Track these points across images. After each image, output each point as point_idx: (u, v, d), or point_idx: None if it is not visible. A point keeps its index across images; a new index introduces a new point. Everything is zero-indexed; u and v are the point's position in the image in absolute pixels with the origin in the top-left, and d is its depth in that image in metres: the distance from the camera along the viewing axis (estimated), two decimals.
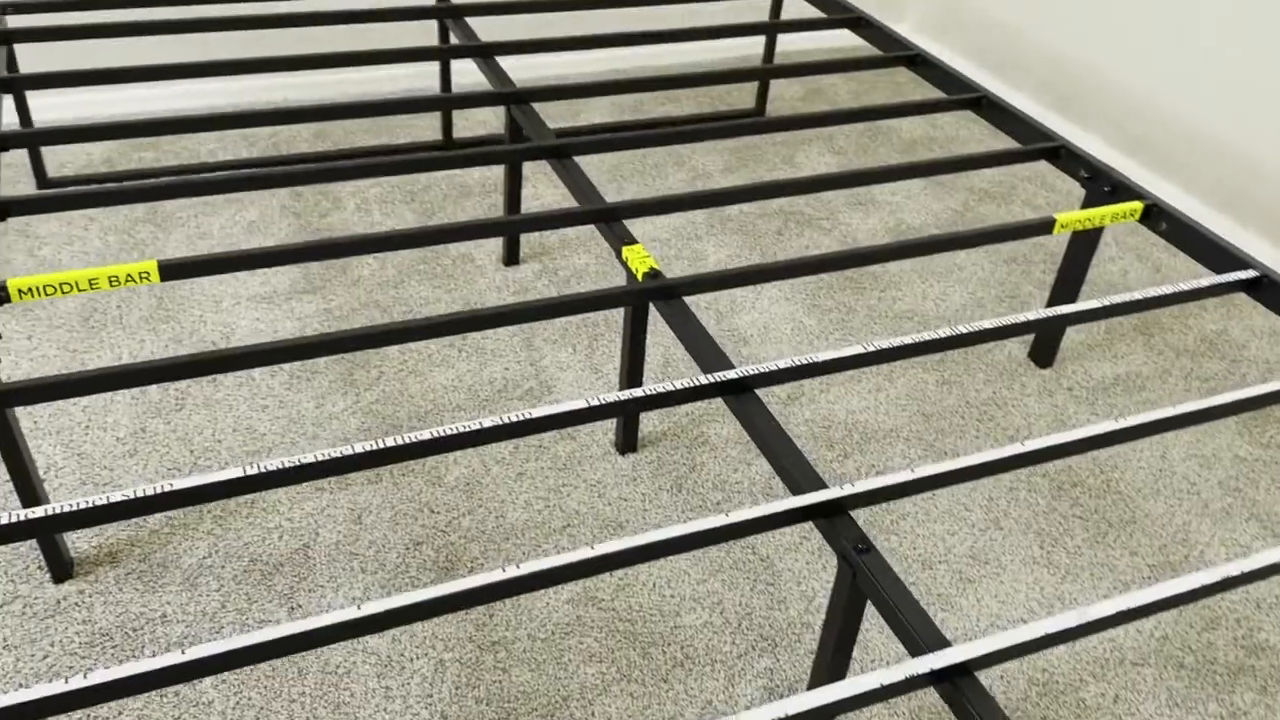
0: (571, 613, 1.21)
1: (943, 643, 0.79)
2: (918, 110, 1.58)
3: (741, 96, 2.49)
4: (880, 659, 1.20)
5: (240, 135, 2.15)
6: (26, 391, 0.94)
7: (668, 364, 1.62)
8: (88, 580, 1.21)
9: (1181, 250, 1.33)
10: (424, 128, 2.23)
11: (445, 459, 1.41)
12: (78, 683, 0.68)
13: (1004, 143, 2.40)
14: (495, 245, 1.87)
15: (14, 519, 0.79)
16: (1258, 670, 1.22)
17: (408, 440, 0.90)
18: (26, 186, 1.92)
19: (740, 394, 1.02)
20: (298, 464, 0.86)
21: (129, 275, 1.07)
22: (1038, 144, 1.49)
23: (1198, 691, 1.19)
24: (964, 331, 1.11)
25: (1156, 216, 1.36)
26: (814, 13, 2.75)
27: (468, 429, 0.92)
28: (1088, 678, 1.19)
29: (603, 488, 1.39)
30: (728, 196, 1.33)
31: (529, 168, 2.11)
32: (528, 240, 1.89)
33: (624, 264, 1.22)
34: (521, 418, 0.94)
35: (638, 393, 0.98)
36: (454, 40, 2.12)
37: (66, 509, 0.81)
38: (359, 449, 0.89)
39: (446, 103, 1.55)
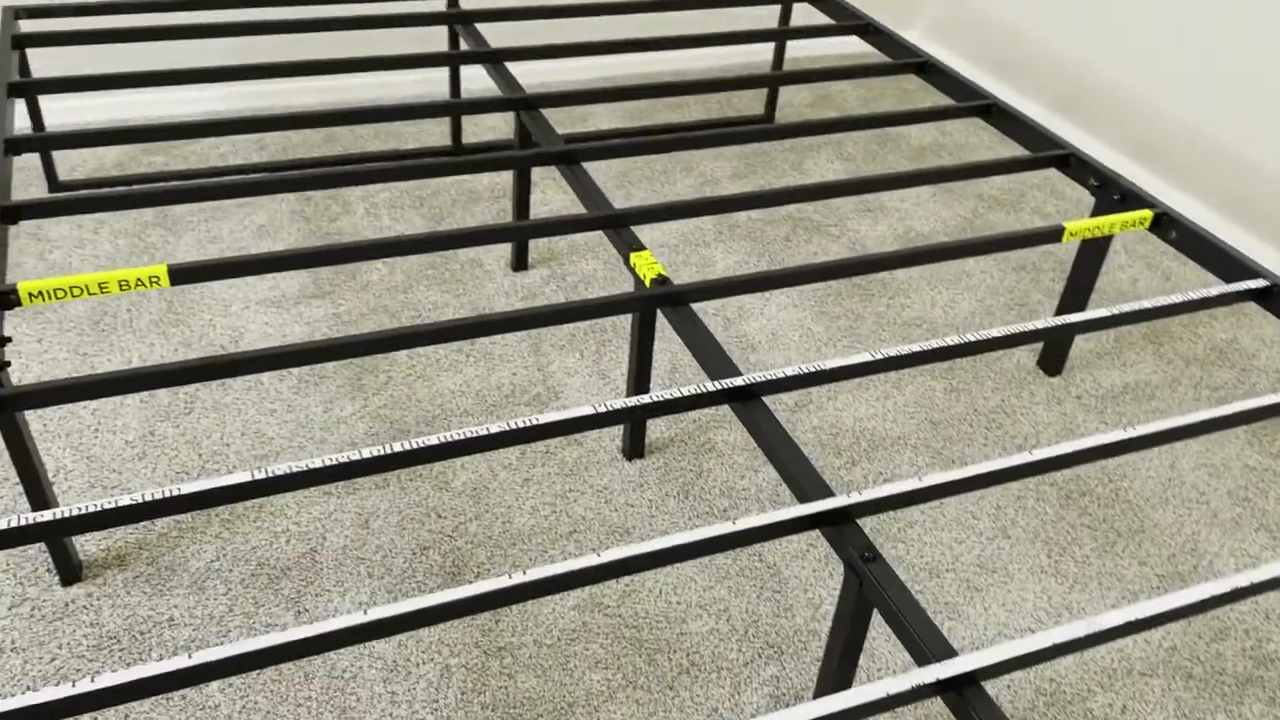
0: (578, 619, 1.21)
1: (949, 652, 0.79)
2: (927, 117, 1.57)
3: (750, 102, 2.49)
4: (887, 668, 1.19)
5: (251, 139, 2.16)
6: (36, 395, 0.94)
7: (675, 370, 1.62)
8: (96, 583, 1.21)
9: (1191, 259, 1.33)
10: (433, 133, 2.24)
11: (452, 464, 1.41)
12: (85, 686, 0.68)
13: (1013, 150, 2.39)
14: (504, 250, 1.87)
15: (23, 522, 0.79)
16: (1266, 681, 1.21)
17: (415, 446, 0.90)
18: (38, 190, 1.93)
19: (747, 401, 1.02)
20: (305, 469, 0.87)
21: (139, 279, 1.08)
22: (1047, 152, 1.49)
23: (1206, 702, 1.18)
24: (972, 340, 1.11)
25: (1166, 225, 1.36)
26: (823, 19, 2.75)
27: (475, 434, 0.92)
28: (1095, 688, 1.18)
29: (610, 493, 1.39)
30: (736, 203, 1.33)
31: (538, 173, 2.12)
32: (536, 245, 1.89)
33: (632, 270, 1.22)
34: (528, 424, 0.94)
35: (645, 399, 0.98)
36: (464, 46, 2.13)
37: (75, 512, 0.81)
38: (366, 454, 0.89)
39: (456, 108, 1.55)
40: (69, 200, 1.21)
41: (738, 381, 1.01)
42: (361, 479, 1.38)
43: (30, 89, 1.50)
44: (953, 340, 1.10)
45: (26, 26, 2.06)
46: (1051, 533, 1.38)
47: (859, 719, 0.73)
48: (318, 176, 1.31)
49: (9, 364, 1.03)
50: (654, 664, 1.17)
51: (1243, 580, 0.87)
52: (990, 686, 1.18)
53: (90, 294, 1.06)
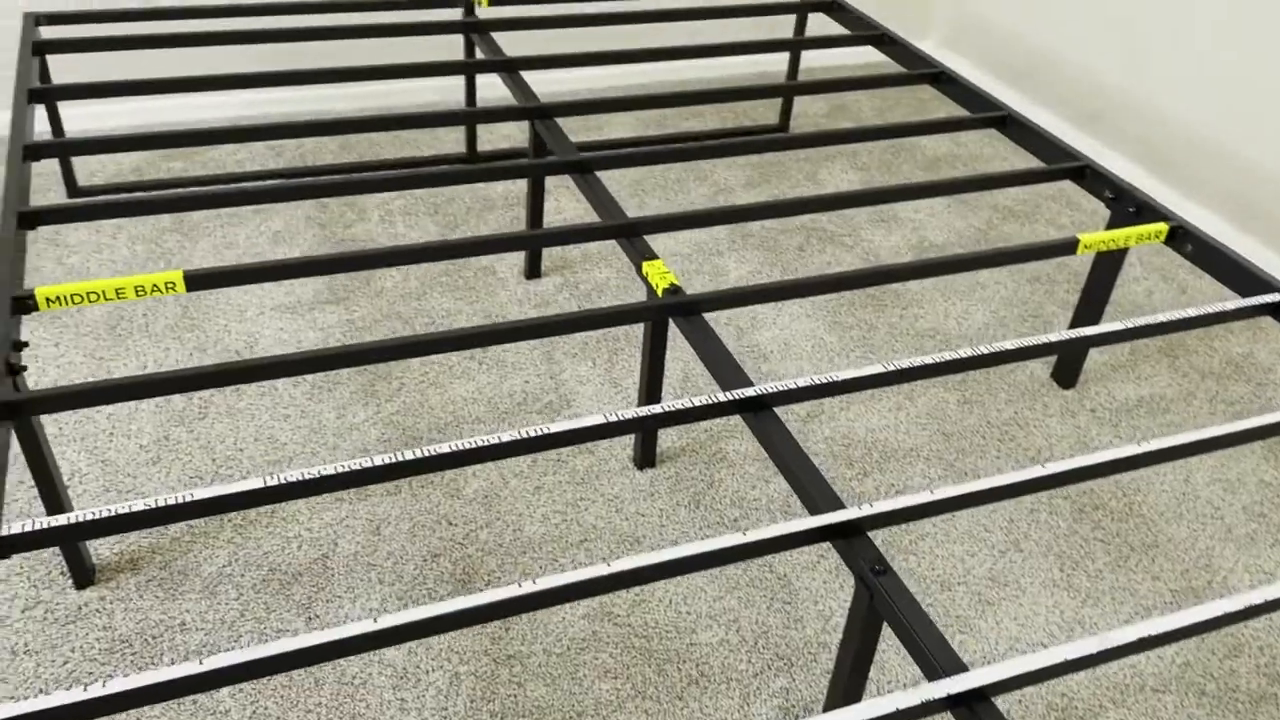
0: (587, 628, 1.21)
1: (960, 667, 0.78)
2: (941, 128, 1.57)
3: (765, 112, 2.50)
4: (897, 681, 1.19)
5: (267, 146, 2.17)
6: (52, 400, 0.95)
7: (687, 379, 1.62)
8: (109, 587, 1.22)
9: (1207, 273, 1.32)
10: (448, 140, 2.24)
11: (464, 471, 1.41)
12: (96, 691, 0.68)
13: (1028, 160, 2.38)
14: (517, 258, 1.88)
15: (38, 527, 0.80)
16: None
17: (426, 454, 0.90)
18: (57, 194, 1.95)
19: (759, 412, 1.02)
20: (317, 476, 0.87)
21: (155, 286, 1.08)
22: (1062, 163, 1.49)
23: None
24: (985, 352, 1.10)
25: (1182, 238, 1.35)
26: (838, 30, 2.75)
27: (486, 443, 0.92)
28: (1108, 704, 1.18)
29: (620, 503, 1.39)
30: (749, 213, 1.33)
31: (552, 181, 2.12)
32: (549, 254, 1.90)
33: (644, 279, 1.23)
34: (540, 432, 0.94)
35: (656, 409, 0.98)
36: (479, 55, 2.14)
37: (89, 517, 0.82)
38: (378, 461, 0.89)
39: (471, 117, 1.56)
40: (87, 206, 1.22)
41: (749, 392, 1.01)
42: (373, 485, 1.38)
43: (50, 95, 1.51)
44: (966, 353, 1.10)
45: (47, 33, 2.07)
46: (1064, 546, 1.38)
47: None
48: (333, 184, 1.31)
49: (25, 368, 1.04)
50: (663, 674, 1.17)
51: (1257, 597, 0.86)
52: (1001, 702, 1.17)
53: (107, 299, 1.07)
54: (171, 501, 0.83)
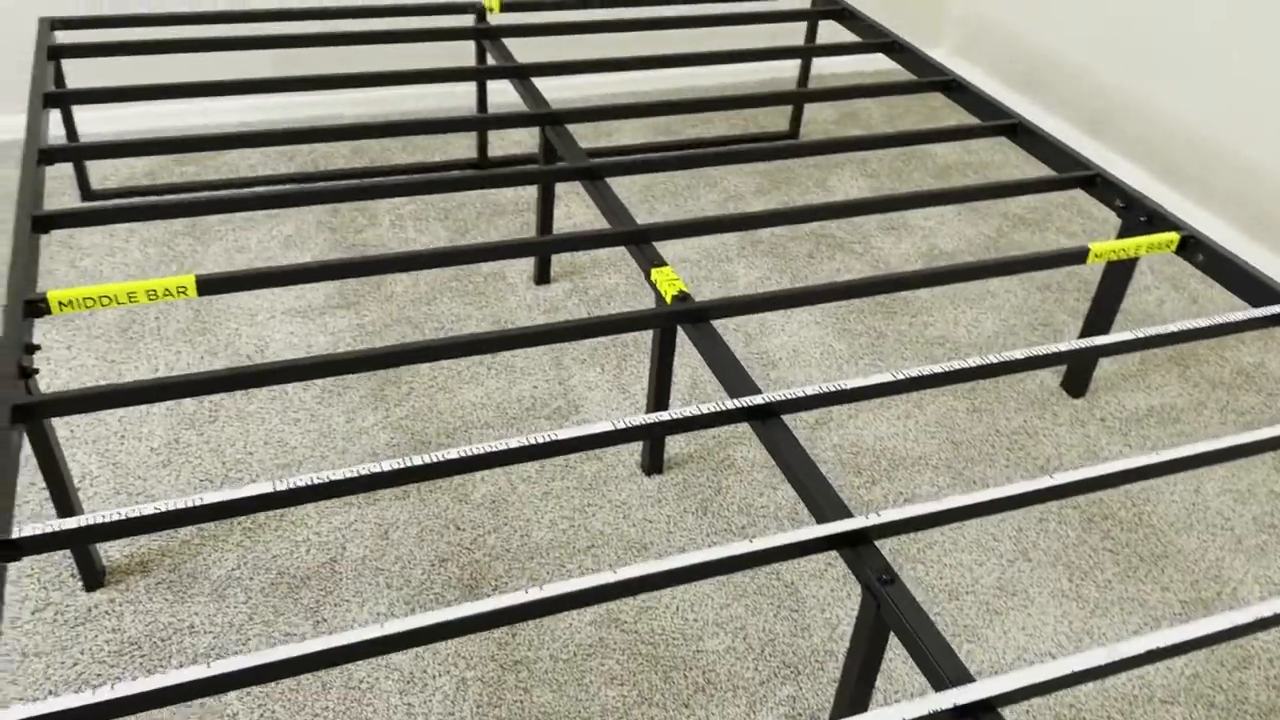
0: (594, 634, 1.21)
1: (966, 678, 0.78)
2: (951, 136, 1.57)
3: (775, 118, 2.50)
4: (904, 690, 1.18)
5: (280, 151, 2.18)
6: (64, 403, 0.96)
7: (695, 385, 1.62)
8: (118, 589, 1.22)
9: (1218, 283, 1.32)
10: (459, 145, 2.25)
11: (472, 476, 1.42)
12: (105, 694, 0.69)
13: (1039, 168, 2.38)
14: (527, 264, 1.88)
15: (50, 530, 0.81)
16: None
17: (435, 459, 0.90)
18: (71, 198, 1.96)
19: (766, 419, 1.02)
20: (326, 480, 0.87)
21: (167, 290, 1.09)
22: (1073, 172, 1.48)
23: None
24: (994, 361, 1.10)
25: (1193, 248, 1.35)
26: (849, 37, 2.75)
27: (494, 449, 0.92)
28: (1116, 715, 1.17)
29: (628, 509, 1.39)
30: (759, 220, 1.33)
31: (562, 186, 2.13)
32: (559, 259, 1.90)
33: (653, 286, 1.23)
34: (548, 439, 0.94)
35: (663, 416, 0.98)
36: (491, 61, 2.14)
37: (100, 520, 0.82)
38: (387, 467, 0.89)
39: (483, 123, 1.56)
40: (99, 211, 1.23)
41: (757, 400, 1.01)
42: (382, 490, 1.38)
43: (65, 99, 1.52)
44: (975, 362, 1.10)
45: (62, 38, 2.09)
46: (1073, 556, 1.37)
47: None
48: (345, 189, 1.32)
49: (37, 371, 1.05)
50: (670, 681, 1.17)
51: (1267, 609, 0.86)
52: (1008, 713, 1.17)
53: (119, 303, 1.07)
54: (181, 506, 0.84)
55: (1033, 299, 1.91)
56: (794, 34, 2.68)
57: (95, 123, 2.19)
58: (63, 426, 1.45)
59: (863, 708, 0.95)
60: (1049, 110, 2.54)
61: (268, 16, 1.83)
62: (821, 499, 0.94)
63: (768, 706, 1.15)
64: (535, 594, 0.79)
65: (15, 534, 0.80)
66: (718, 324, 1.76)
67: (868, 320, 1.81)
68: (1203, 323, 1.18)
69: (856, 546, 0.89)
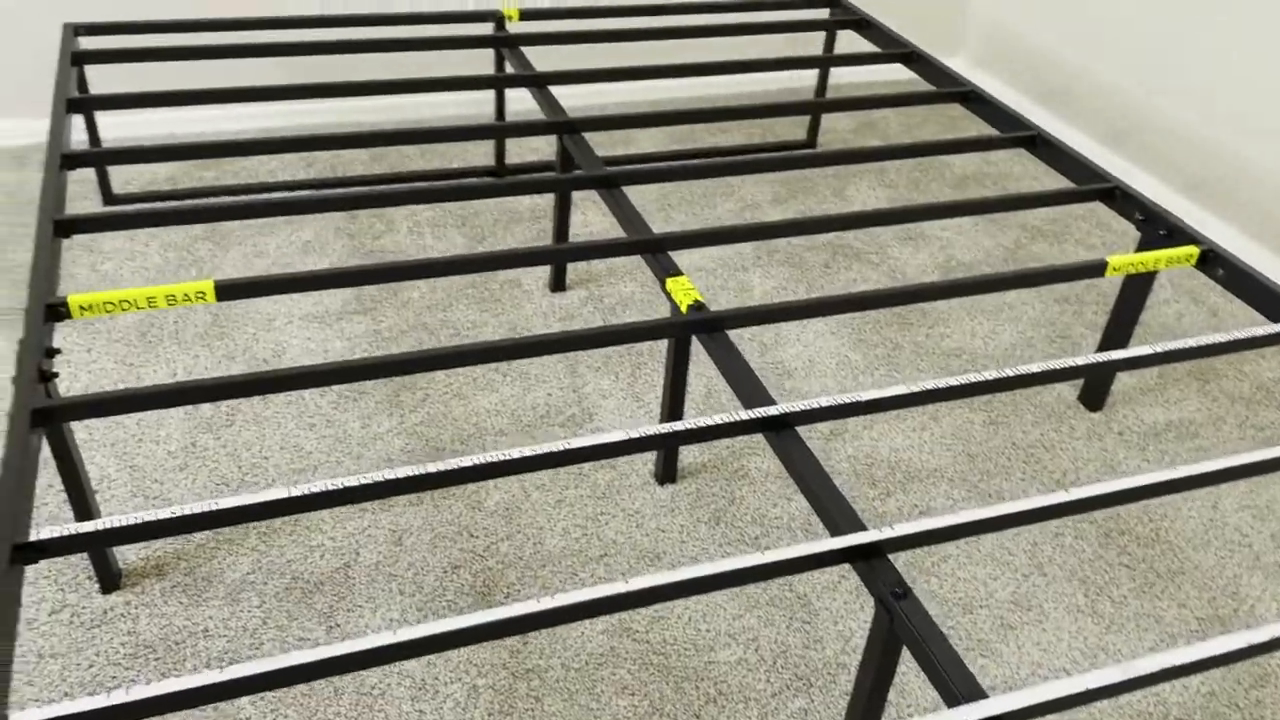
0: (606, 643, 1.21)
1: (979, 694, 0.78)
2: (969, 148, 1.57)
3: (792, 128, 2.50)
4: (916, 704, 1.18)
5: (300, 157, 2.19)
6: (82, 407, 0.97)
7: (710, 395, 1.62)
8: (134, 592, 1.23)
9: (1239, 297, 1.31)
10: (477, 153, 2.26)
11: (485, 484, 1.42)
12: (119, 697, 0.69)
13: (1058, 180, 2.37)
14: (543, 271, 1.89)
15: (68, 533, 0.81)
16: None
17: (449, 467, 0.91)
18: (93, 202, 1.98)
19: (781, 430, 1.02)
20: (341, 487, 0.88)
21: (186, 295, 1.10)
22: (1092, 184, 1.48)
23: None
24: (1011, 375, 1.09)
25: (1213, 262, 1.34)
26: (867, 47, 2.75)
27: (508, 457, 0.92)
28: None
29: (641, 518, 1.39)
30: (775, 230, 1.33)
31: (579, 194, 2.13)
32: (575, 267, 1.91)
33: (668, 296, 1.23)
34: (561, 448, 0.94)
35: (677, 426, 0.98)
36: (509, 69, 2.15)
37: (117, 524, 0.83)
38: (401, 474, 0.90)
39: (501, 131, 1.57)
40: (120, 216, 1.24)
41: (771, 411, 1.01)
42: (396, 496, 1.39)
43: (88, 105, 1.54)
44: (991, 375, 1.09)
45: (86, 43, 2.11)
46: (1089, 571, 1.36)
47: None
48: (363, 195, 1.33)
49: (57, 375, 1.06)
50: (681, 692, 1.17)
51: None
52: None
53: (138, 308, 1.08)
54: (198, 510, 0.84)
55: (1050, 311, 1.90)
56: (812, 44, 2.68)
57: (117, 127, 2.21)
58: (81, 429, 1.46)
59: None
60: (1068, 122, 2.53)
61: (288, 24, 1.84)
62: (835, 511, 0.93)
63: (779, 719, 1.15)
64: (547, 603, 0.79)
65: (34, 536, 0.81)
66: (733, 334, 1.76)
67: (884, 331, 1.81)
68: (1222, 338, 1.18)
69: (870, 560, 0.88)
